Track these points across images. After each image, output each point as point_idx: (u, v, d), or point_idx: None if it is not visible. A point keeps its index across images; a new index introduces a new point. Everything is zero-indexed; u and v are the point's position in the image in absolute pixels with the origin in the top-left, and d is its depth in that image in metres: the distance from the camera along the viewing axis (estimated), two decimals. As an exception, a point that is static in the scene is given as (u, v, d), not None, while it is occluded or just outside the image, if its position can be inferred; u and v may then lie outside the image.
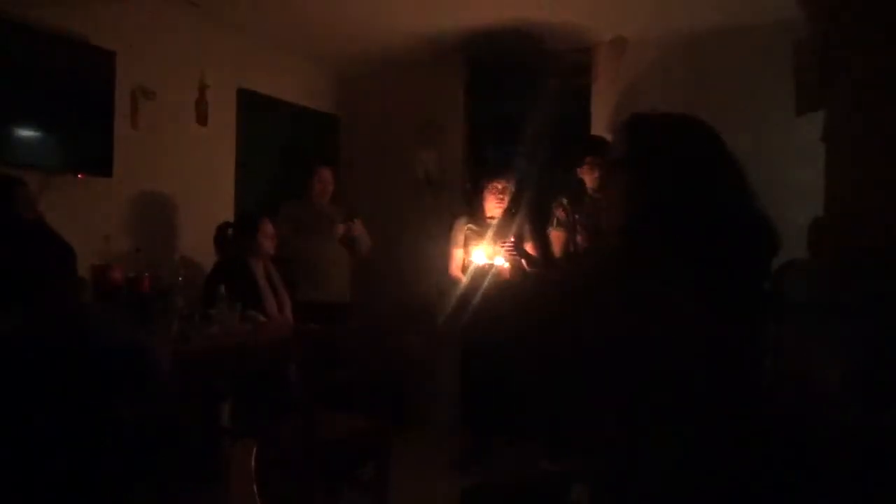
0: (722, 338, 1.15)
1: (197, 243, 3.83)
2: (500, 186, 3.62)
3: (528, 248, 2.32)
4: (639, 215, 1.26)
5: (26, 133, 2.98)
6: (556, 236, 3.48)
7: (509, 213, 3.59)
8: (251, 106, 4.32)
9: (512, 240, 3.25)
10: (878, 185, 1.69)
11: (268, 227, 3.46)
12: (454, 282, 3.71)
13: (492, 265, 3.50)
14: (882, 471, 1.45)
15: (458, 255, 3.78)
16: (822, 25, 2.02)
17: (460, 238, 3.77)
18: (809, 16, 2.15)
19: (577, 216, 3.48)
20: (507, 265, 3.46)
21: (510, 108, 4.55)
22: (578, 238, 3.48)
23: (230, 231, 3.61)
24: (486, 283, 3.45)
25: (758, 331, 1.28)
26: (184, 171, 3.85)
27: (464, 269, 3.71)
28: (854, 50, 1.80)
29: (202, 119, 3.93)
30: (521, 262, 2.62)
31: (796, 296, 1.60)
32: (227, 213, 4.04)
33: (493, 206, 3.66)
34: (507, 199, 3.57)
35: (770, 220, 1.26)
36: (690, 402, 1.14)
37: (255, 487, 2.20)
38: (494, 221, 3.64)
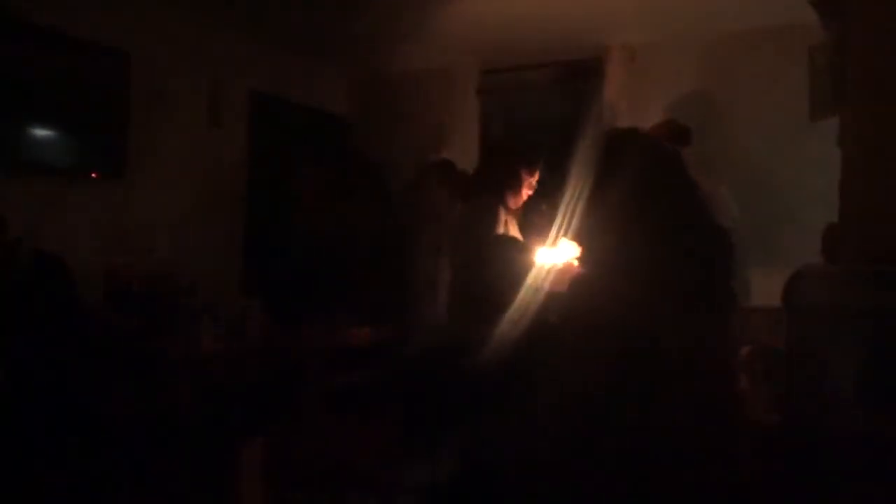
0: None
1: (208, 244, 3.84)
2: (535, 178, 3.47)
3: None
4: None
5: (41, 134, 3.02)
6: None
7: (535, 208, 3.45)
8: (264, 108, 4.34)
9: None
10: (894, 191, 1.68)
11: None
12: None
13: (571, 265, 3.06)
14: (893, 476, 1.44)
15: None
16: (836, 31, 2.02)
17: (501, 225, 3.54)
18: (824, 21, 2.15)
19: None
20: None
21: (522, 112, 4.55)
22: None
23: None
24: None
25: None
26: (197, 172, 3.87)
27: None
28: (869, 55, 1.79)
29: (215, 120, 3.95)
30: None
31: (811, 300, 1.59)
32: (240, 214, 4.06)
33: (523, 197, 3.50)
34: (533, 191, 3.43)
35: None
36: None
37: (264, 488, 2.21)
38: (520, 212, 3.50)
